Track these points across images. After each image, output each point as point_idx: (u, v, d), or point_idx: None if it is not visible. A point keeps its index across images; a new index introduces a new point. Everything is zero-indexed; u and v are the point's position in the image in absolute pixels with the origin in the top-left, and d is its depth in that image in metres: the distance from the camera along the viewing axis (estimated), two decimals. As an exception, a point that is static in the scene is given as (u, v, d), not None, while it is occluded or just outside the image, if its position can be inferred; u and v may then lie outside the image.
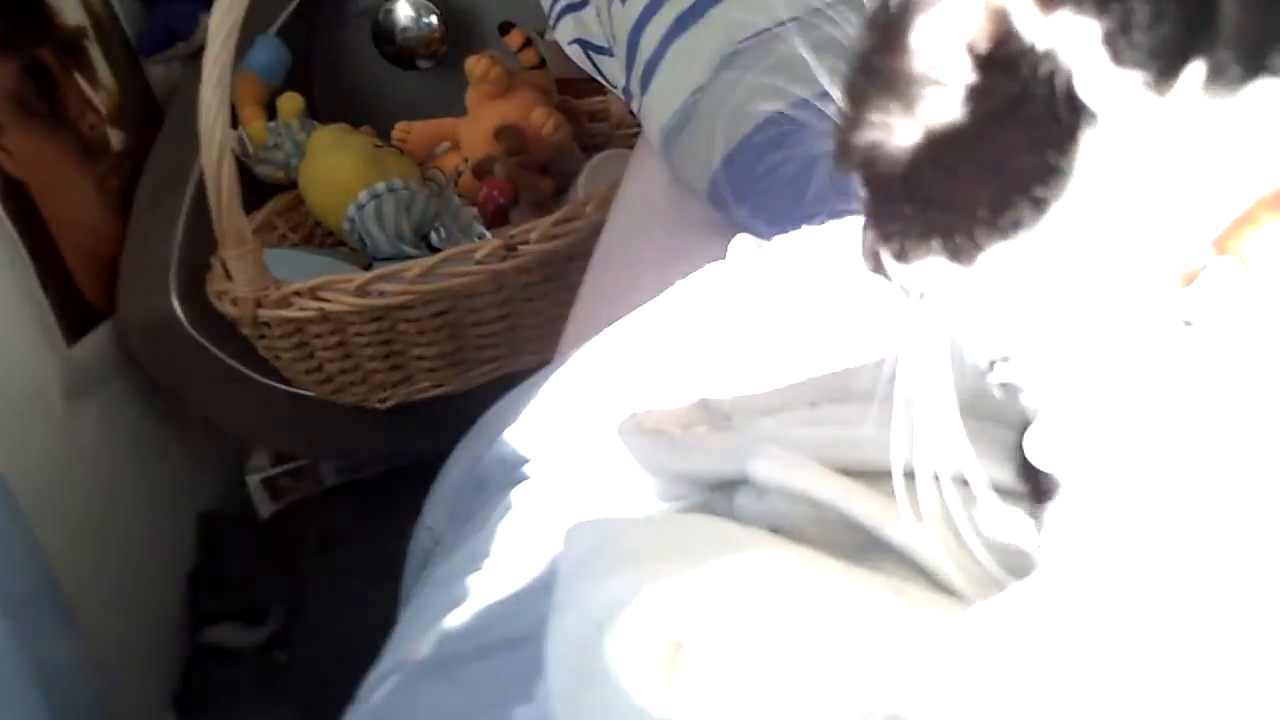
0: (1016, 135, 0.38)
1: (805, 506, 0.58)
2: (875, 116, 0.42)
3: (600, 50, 1.43)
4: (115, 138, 1.60)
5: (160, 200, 1.51)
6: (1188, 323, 0.38)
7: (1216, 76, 0.35)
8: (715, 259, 0.88)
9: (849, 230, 0.81)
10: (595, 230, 1.27)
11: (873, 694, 0.39)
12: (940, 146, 0.40)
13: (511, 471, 0.78)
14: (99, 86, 1.60)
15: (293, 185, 1.62)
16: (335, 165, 1.56)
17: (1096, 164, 0.37)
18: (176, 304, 1.39)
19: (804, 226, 0.87)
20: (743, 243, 0.86)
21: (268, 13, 1.71)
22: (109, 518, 1.41)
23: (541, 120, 1.58)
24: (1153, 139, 0.36)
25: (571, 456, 0.74)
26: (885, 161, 0.42)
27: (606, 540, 0.56)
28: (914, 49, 0.40)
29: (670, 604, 0.48)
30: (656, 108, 1.24)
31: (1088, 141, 0.37)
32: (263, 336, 1.37)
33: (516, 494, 0.74)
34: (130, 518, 1.46)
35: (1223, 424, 0.36)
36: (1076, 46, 0.36)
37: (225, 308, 1.36)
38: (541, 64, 1.66)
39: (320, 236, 1.65)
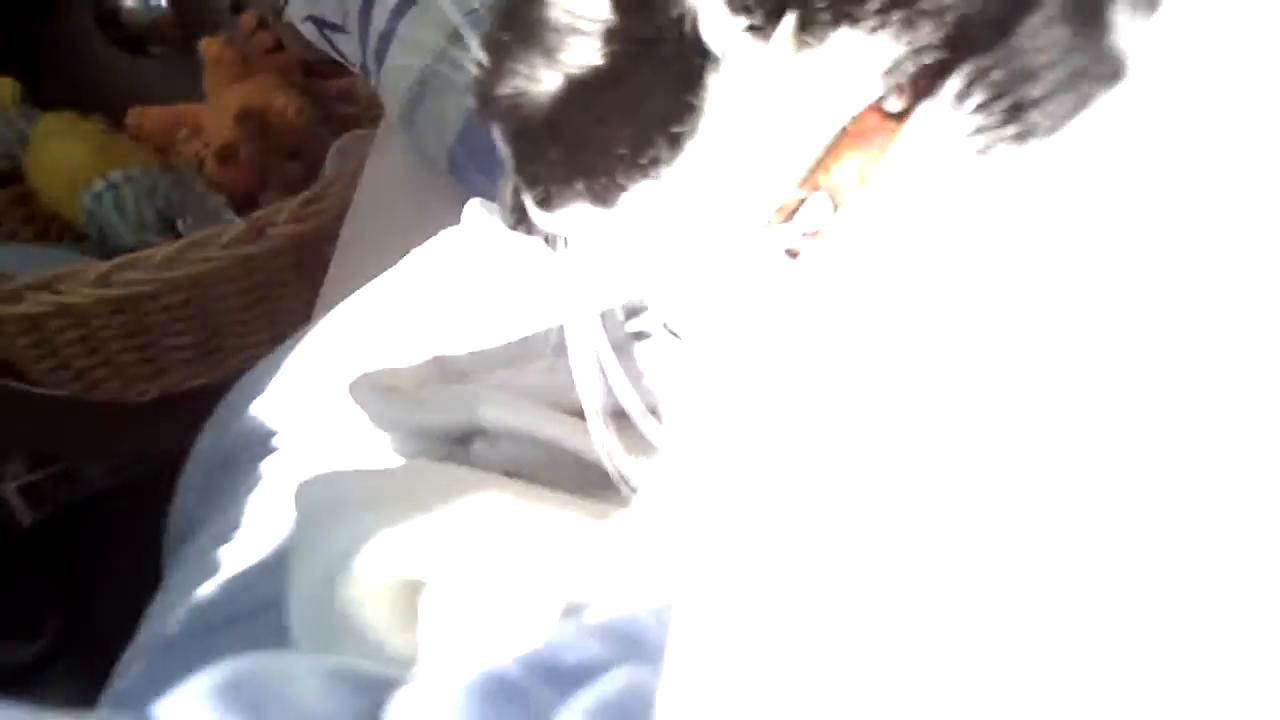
0: (652, 75, 0.42)
1: (537, 449, 0.61)
2: (519, 66, 0.45)
3: (335, 28, 1.42)
4: None
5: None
6: (791, 253, 0.43)
7: (807, 26, 0.40)
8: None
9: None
10: (344, 210, 1.27)
11: (560, 595, 0.43)
12: (582, 89, 0.44)
13: (260, 445, 0.78)
14: None
15: (17, 177, 1.55)
16: (65, 154, 1.49)
17: (723, 103, 0.42)
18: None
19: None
20: (476, 207, 0.88)
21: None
22: None
23: (284, 104, 1.56)
24: (759, 82, 0.41)
25: (315, 423, 0.75)
26: (529, 108, 0.45)
27: (334, 491, 0.58)
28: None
29: (395, 546, 0.51)
30: (392, 83, 1.24)
31: (714, 82, 0.42)
32: (-5, 336, 1.31)
33: (264, 466, 0.75)
34: None
35: (816, 344, 0.41)
36: None
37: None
38: (279, 46, 1.63)
39: (57, 232, 1.58)
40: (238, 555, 0.67)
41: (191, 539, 0.78)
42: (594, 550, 0.45)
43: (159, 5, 1.75)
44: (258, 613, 0.61)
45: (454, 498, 0.53)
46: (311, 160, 1.55)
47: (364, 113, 1.65)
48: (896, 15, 0.41)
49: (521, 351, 0.73)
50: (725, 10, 0.41)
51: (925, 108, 0.41)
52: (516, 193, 0.49)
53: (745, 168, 0.43)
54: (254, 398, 0.81)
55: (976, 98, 0.40)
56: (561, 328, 0.72)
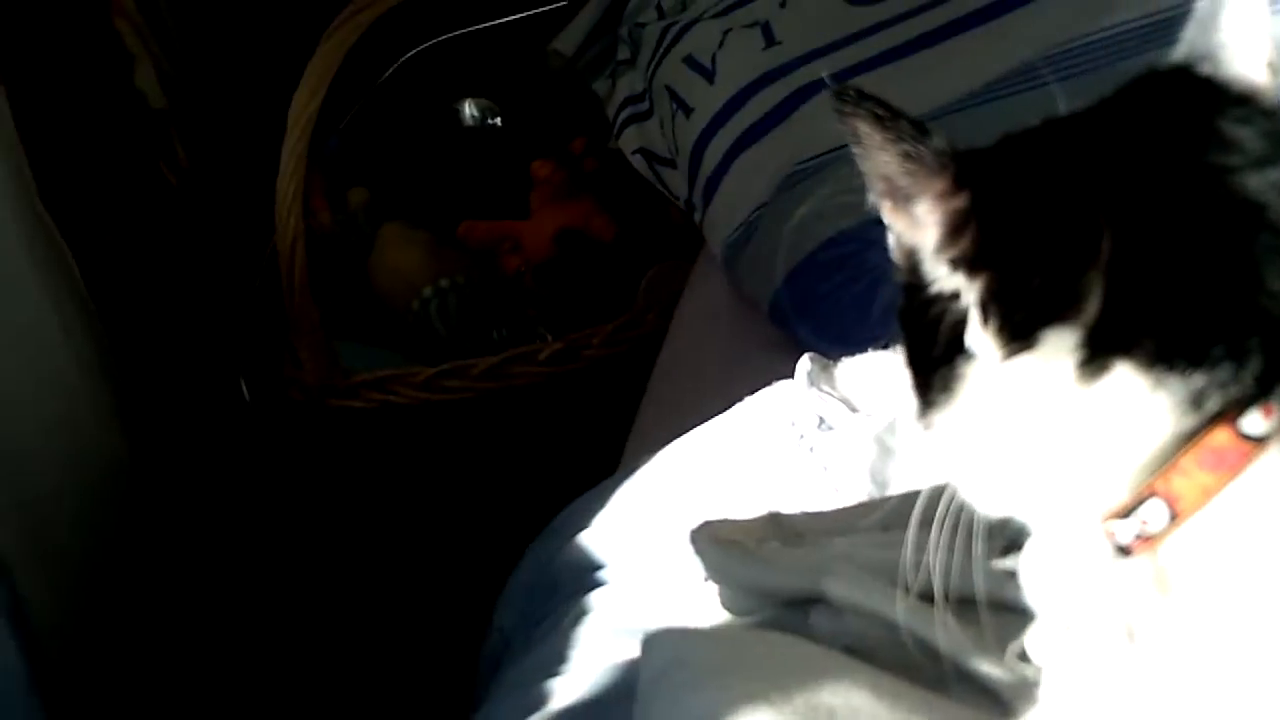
0: (925, 335, 0.47)
1: (881, 629, 0.60)
2: None
3: (664, 161, 1.48)
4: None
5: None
6: (1124, 550, 0.43)
7: (1087, 363, 0.42)
8: (777, 375, 0.90)
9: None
10: (655, 339, 1.31)
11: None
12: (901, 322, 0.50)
13: (585, 576, 0.80)
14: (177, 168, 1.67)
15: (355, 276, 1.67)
16: (403, 259, 1.61)
17: (982, 395, 0.45)
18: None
19: (868, 348, 0.90)
20: (809, 363, 0.89)
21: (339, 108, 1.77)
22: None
23: (601, 226, 1.62)
24: (1028, 393, 0.43)
25: (647, 564, 0.76)
26: None
27: (684, 653, 0.58)
28: None
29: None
30: (719, 221, 1.28)
31: (971, 373, 0.45)
32: (330, 425, 1.40)
33: (591, 599, 0.77)
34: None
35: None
36: (965, 299, 0.45)
37: (293, 395, 1.39)
38: (603, 170, 1.71)
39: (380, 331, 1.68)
40: (566, 691, 0.68)
41: (512, 660, 0.80)
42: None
43: (495, 124, 1.87)
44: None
45: (810, 684, 0.53)
46: (623, 283, 1.60)
47: (676, 242, 1.70)
48: (1180, 356, 0.41)
49: (857, 519, 0.72)
50: (979, 321, 0.44)
51: None
52: None
53: (1059, 470, 0.44)
54: (580, 528, 0.84)
55: None
56: (902, 503, 0.72)
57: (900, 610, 0.59)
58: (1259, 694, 0.38)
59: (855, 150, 0.47)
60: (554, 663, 0.72)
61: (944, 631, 0.58)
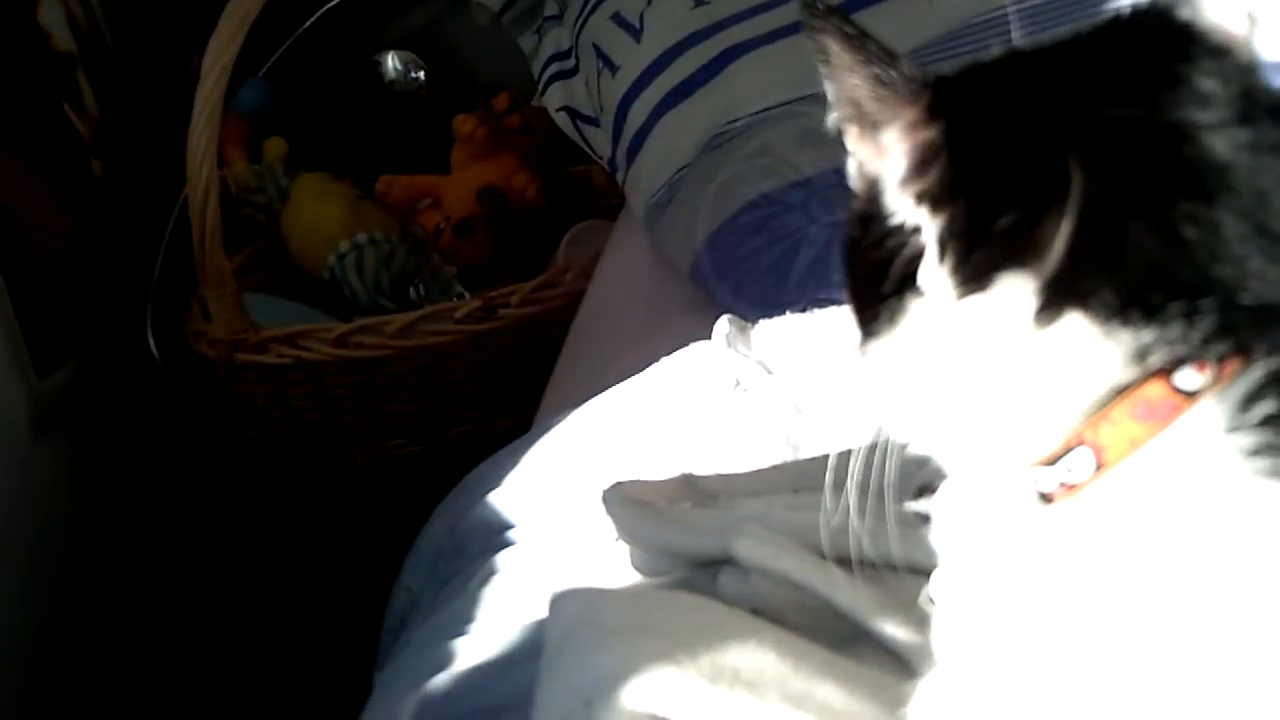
0: (876, 268, 0.46)
1: (788, 590, 0.60)
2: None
3: (588, 120, 1.46)
4: (96, 166, 1.59)
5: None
6: (1045, 497, 0.42)
7: (1037, 311, 0.41)
8: (695, 336, 0.90)
9: (827, 320, 0.84)
10: (574, 298, 1.29)
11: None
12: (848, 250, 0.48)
13: (494, 536, 0.79)
14: (84, 114, 1.60)
15: (270, 228, 1.63)
16: (319, 213, 1.57)
17: (929, 327, 0.44)
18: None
19: (786, 311, 0.89)
20: (727, 324, 0.88)
21: (256, 54, 1.72)
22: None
23: (523, 184, 1.60)
24: (974, 334, 0.43)
25: (556, 524, 0.75)
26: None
27: (592, 612, 0.57)
28: None
29: (658, 688, 0.50)
30: (642, 181, 1.27)
31: (920, 306, 0.44)
32: (238, 381, 1.37)
33: (500, 559, 0.76)
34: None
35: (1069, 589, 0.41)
36: (924, 234, 0.43)
37: (201, 349, 1.36)
38: (526, 128, 1.69)
39: (298, 285, 1.64)
40: (470, 650, 0.67)
41: (418, 620, 0.79)
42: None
43: (418, 79, 1.84)
44: (491, 715, 0.61)
45: (716, 644, 0.52)
46: (543, 242, 1.59)
47: (597, 201, 1.68)
48: (1135, 310, 0.40)
49: (770, 482, 0.72)
50: (935, 258, 0.43)
51: (1213, 401, 0.39)
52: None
53: (992, 411, 0.43)
54: (491, 487, 0.82)
55: (1264, 408, 0.38)
56: (813, 464, 0.72)
57: (807, 572, 0.59)
58: (1161, 644, 0.38)
59: (822, 70, 0.45)
60: (461, 622, 0.71)
61: (851, 593, 0.58)
